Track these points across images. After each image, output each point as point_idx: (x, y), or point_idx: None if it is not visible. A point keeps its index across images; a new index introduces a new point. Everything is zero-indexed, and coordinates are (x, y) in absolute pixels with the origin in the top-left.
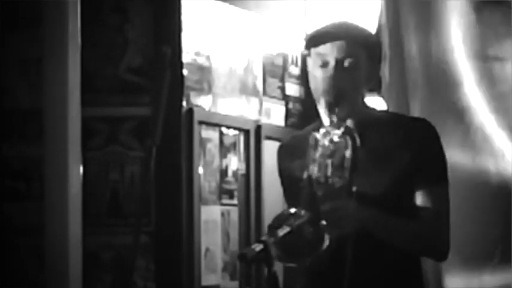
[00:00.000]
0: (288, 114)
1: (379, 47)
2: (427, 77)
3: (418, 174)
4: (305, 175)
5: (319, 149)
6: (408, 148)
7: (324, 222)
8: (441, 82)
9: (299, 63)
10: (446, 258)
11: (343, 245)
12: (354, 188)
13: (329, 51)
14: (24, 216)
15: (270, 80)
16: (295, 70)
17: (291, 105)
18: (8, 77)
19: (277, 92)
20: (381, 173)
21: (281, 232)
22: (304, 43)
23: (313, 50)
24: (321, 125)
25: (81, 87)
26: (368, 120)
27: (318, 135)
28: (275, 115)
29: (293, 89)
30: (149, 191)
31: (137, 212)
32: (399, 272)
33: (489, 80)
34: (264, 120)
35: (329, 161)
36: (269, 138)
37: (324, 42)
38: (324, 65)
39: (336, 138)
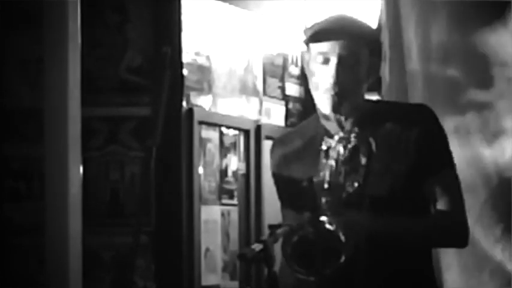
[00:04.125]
0: (288, 114)
1: (379, 41)
2: (427, 77)
3: (425, 160)
4: (307, 177)
5: (333, 155)
6: (411, 136)
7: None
8: (441, 82)
9: (299, 63)
10: (468, 243)
11: (354, 256)
12: (367, 194)
13: (331, 49)
14: (24, 216)
15: (270, 80)
16: (295, 70)
17: (291, 105)
18: (8, 77)
19: (277, 92)
20: (389, 167)
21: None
22: (303, 38)
23: (312, 46)
24: (317, 121)
25: (81, 87)
26: (369, 115)
27: (332, 142)
28: (275, 115)
29: (293, 89)
30: (149, 191)
31: (137, 212)
32: (410, 275)
33: (489, 78)
34: (264, 120)
35: (343, 168)
36: (269, 138)
37: (325, 39)
38: (325, 62)
39: (350, 145)
